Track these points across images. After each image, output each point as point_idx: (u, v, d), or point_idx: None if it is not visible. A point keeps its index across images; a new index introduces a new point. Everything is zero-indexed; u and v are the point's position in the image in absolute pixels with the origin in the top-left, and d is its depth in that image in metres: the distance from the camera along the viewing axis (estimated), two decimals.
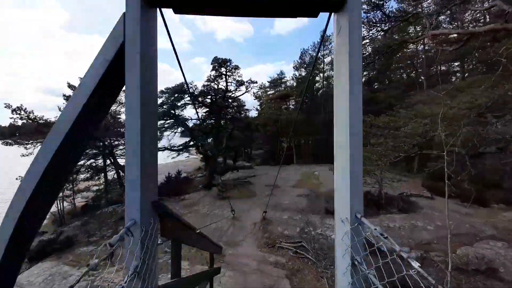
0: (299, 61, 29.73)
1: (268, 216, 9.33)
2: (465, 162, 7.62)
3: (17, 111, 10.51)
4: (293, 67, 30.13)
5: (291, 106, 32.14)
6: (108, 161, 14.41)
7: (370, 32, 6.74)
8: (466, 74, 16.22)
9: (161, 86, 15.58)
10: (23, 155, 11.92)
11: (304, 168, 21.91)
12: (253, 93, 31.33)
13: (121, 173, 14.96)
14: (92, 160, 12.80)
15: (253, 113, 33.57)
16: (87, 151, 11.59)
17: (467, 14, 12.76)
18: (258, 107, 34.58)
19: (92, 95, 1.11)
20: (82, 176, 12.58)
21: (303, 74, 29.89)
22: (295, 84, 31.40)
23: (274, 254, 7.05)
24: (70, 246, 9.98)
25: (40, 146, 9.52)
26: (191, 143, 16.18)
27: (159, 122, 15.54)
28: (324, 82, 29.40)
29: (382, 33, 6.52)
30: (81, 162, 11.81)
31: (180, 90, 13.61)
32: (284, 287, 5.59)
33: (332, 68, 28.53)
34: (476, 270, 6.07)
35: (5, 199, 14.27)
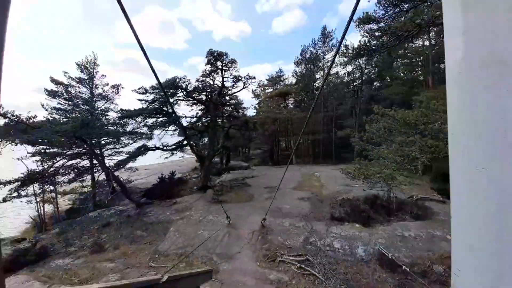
0: (299, 57, 28.79)
1: (267, 223, 8.39)
2: None
3: None
4: (294, 63, 29.22)
5: (290, 105, 31.27)
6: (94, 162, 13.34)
7: (388, 13, 5.84)
8: None
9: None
10: None
11: (303, 168, 21.02)
12: (252, 91, 30.46)
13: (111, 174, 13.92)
14: (73, 161, 11.73)
15: (251, 112, 32.69)
16: (65, 150, 10.54)
17: None
18: (256, 106, 33.66)
19: None
20: (63, 178, 11.48)
21: (304, 71, 28.99)
22: (294, 81, 30.50)
23: (275, 270, 6.11)
24: (45, 258, 8.92)
25: (9, 145, 8.32)
26: (185, 142, 15.15)
27: (150, 120, 14.50)
28: (325, 80, 28.52)
29: (402, 12, 5.63)
30: (60, 163, 10.75)
31: (172, 85, 12.57)
32: None
33: (334, 65, 27.70)
34: None
35: None
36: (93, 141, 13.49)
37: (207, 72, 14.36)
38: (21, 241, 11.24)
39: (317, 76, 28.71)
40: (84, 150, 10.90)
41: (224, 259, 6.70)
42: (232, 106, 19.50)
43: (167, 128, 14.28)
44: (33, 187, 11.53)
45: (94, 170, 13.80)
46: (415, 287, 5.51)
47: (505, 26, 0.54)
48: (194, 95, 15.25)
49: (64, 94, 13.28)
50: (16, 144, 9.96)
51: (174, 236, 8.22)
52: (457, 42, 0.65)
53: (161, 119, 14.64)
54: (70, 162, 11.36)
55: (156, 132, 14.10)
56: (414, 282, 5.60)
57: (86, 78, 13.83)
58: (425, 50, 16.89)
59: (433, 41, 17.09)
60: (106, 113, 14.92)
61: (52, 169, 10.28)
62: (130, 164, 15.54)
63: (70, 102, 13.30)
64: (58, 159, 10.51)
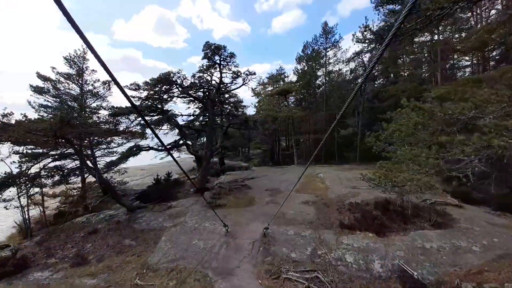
0: (301, 54, 27.91)
1: (269, 231, 7.53)
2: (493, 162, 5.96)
3: None
4: (296, 59, 28.36)
5: (291, 104, 30.41)
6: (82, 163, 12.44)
7: None
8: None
9: None
10: None
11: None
12: (252, 89, 29.56)
13: (105, 176, 13.05)
14: (59, 162, 10.86)
15: (251, 111, 31.84)
16: (46, 151, 9.66)
17: None
18: (256, 104, 32.81)
19: None
20: (46, 181, 10.58)
21: (305, 68, 28.11)
22: (295, 79, 29.62)
23: None
24: (24, 269, 8.06)
25: None
26: (181, 141, 14.28)
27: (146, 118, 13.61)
28: (326, 78, 27.67)
29: None
30: (40, 165, 9.86)
31: (166, 80, 11.68)
32: None
33: (336, 62, 26.82)
34: None
35: None
36: (84, 141, 12.66)
37: (204, 67, 13.48)
38: (5, 247, 10.41)
39: (319, 73, 27.85)
40: (69, 151, 10.03)
41: (220, 275, 5.85)
42: (231, 104, 18.63)
43: (161, 127, 13.40)
44: (18, 190, 10.70)
45: (86, 172, 12.87)
46: None
47: None
48: (191, 92, 14.37)
49: (51, 90, 12.39)
50: None
51: (165, 247, 7.37)
52: None
53: (156, 117, 13.78)
54: (54, 164, 10.49)
55: (150, 131, 13.19)
56: None
57: (74, 73, 12.93)
58: (434, 44, 16.04)
59: (441, 36, 16.27)
60: (97, 111, 14.02)
61: (33, 171, 9.43)
62: (125, 165, 14.73)
63: (58, 99, 12.42)
64: (40, 160, 9.64)
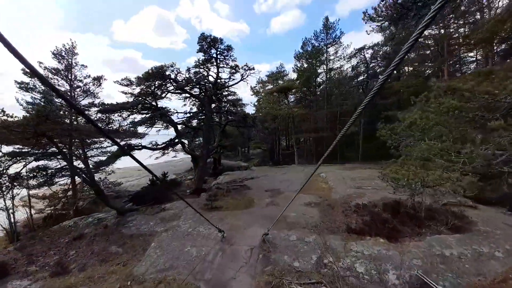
0: (300, 51, 27.18)
1: (269, 237, 6.85)
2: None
3: None
4: (294, 57, 27.62)
5: (291, 102, 29.73)
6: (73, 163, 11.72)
7: None
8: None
9: None
10: None
11: (307, 168, 19.50)
12: (251, 87, 28.86)
13: (96, 178, 12.35)
14: (42, 162, 10.17)
15: (250, 109, 31.14)
16: (27, 149, 8.96)
17: None
18: (256, 103, 32.15)
19: None
20: (29, 182, 9.88)
21: (305, 65, 27.39)
22: (295, 76, 28.91)
23: None
24: (4, 277, 7.38)
25: None
26: (176, 140, 13.58)
27: (137, 116, 12.93)
28: (327, 75, 26.96)
29: None
30: (19, 165, 9.17)
31: (159, 74, 10.98)
32: None
33: (337, 59, 26.11)
34: None
35: None
36: (75, 140, 11.96)
37: (200, 61, 12.78)
38: None
39: (320, 70, 27.15)
40: (53, 150, 9.33)
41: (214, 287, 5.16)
42: (230, 102, 17.94)
43: (154, 125, 12.69)
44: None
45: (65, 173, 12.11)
46: None
47: None
48: (186, 88, 13.68)
49: (37, 87, 11.70)
50: None
51: (154, 254, 6.67)
52: None
53: (149, 114, 13.08)
54: (37, 164, 9.81)
55: (141, 129, 12.50)
56: None
57: (63, 68, 12.23)
58: (441, 37, 15.35)
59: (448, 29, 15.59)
60: (88, 109, 13.32)
61: (11, 171, 8.75)
62: (122, 166, 13.99)
63: (44, 96, 11.71)
64: (20, 159, 8.96)
